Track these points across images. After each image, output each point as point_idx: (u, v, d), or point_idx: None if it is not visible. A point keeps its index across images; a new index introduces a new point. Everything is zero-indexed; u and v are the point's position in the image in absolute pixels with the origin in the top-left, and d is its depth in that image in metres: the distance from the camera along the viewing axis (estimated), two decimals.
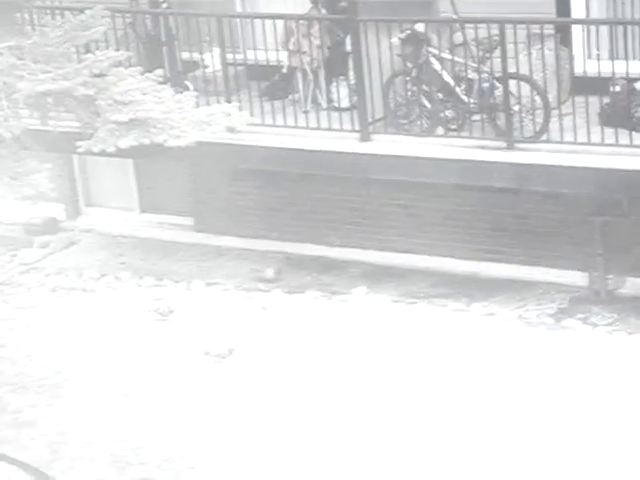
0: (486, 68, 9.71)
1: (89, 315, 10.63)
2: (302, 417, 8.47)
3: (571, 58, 10.00)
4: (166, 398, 8.91)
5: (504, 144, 9.58)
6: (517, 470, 7.63)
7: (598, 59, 9.54)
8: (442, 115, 9.97)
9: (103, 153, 8.45)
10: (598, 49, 9.65)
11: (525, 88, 9.51)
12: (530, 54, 9.42)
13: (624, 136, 9.14)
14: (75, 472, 7.99)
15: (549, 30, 9.66)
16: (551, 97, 9.58)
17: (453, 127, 9.97)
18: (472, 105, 9.85)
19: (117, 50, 9.41)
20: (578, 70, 9.86)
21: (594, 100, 9.33)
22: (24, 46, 8.30)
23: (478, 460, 7.76)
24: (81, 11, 8.76)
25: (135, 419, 8.63)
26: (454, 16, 9.94)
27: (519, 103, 9.54)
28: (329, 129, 10.29)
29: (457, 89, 9.91)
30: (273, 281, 9.70)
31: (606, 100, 9.46)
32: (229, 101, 10.08)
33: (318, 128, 10.33)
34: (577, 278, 10.24)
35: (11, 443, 8.44)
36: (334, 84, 10.80)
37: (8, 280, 11.61)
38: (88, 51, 9.19)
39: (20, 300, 11.09)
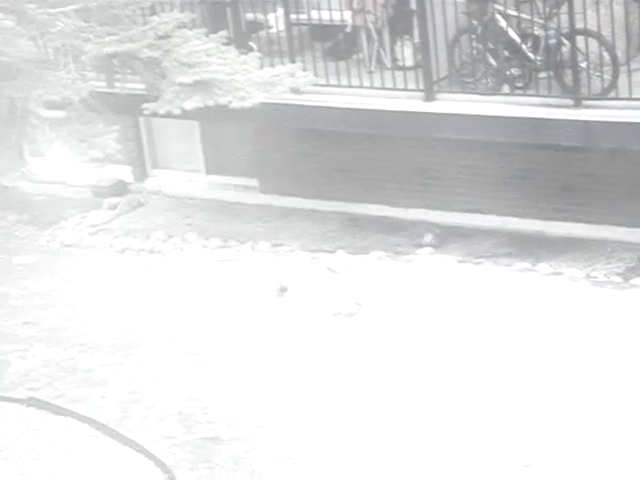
0: (553, 24, 9.58)
1: (158, 276, 10.75)
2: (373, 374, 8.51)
3: None
4: (233, 357, 8.99)
5: (571, 102, 9.46)
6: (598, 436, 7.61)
7: None
8: (508, 73, 9.86)
9: (169, 115, 8.50)
10: None
11: (593, 44, 9.38)
12: (598, 9, 9.27)
13: None
14: (144, 430, 8.11)
15: None
16: (619, 53, 9.43)
17: (519, 85, 9.87)
18: (539, 62, 9.73)
19: (182, 12, 9.45)
20: None
21: None
22: (90, 8, 8.36)
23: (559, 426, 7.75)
24: None
25: (202, 378, 8.73)
26: None
27: (587, 60, 9.41)
28: (394, 89, 10.25)
29: (523, 46, 9.80)
30: (284, 291, 9.73)
31: None
32: (293, 62, 10.07)
33: (382, 88, 10.29)
34: None
35: (83, 402, 8.59)
36: (398, 43, 10.73)
37: (78, 242, 11.77)
38: (153, 13, 9.25)
39: (90, 261, 11.24)
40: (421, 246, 10.70)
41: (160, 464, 7.70)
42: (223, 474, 7.52)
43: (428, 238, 10.74)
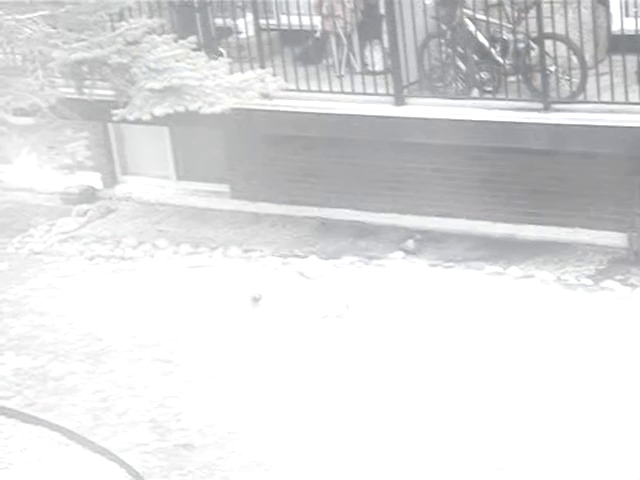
0: (521, 28, 9.62)
1: (128, 283, 10.71)
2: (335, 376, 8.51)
3: (608, 16, 9.88)
4: (206, 362, 8.96)
5: (541, 105, 9.50)
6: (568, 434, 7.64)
7: (636, 17, 9.42)
8: (477, 77, 9.89)
9: (138, 121, 8.46)
10: (636, 6, 9.53)
11: (561, 48, 9.42)
12: (566, 13, 9.32)
13: None
14: (116, 438, 8.07)
15: None
16: (588, 56, 9.48)
17: (488, 89, 9.90)
18: (508, 66, 9.77)
19: (150, 17, 9.41)
20: (615, 28, 9.75)
21: (632, 58, 9.22)
22: (58, 15, 8.31)
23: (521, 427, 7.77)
24: None
25: (174, 385, 8.69)
26: None
27: (555, 63, 9.45)
28: (363, 93, 10.26)
29: (492, 50, 9.84)
30: (259, 299, 9.73)
31: None
32: (263, 67, 10.05)
33: (352, 92, 10.30)
34: (616, 239, 10.18)
35: (53, 410, 8.53)
36: (368, 48, 10.75)
37: (47, 249, 11.71)
38: (122, 19, 9.20)
39: (59, 269, 11.18)
40: (403, 251, 10.67)
41: (132, 472, 7.66)
42: None
43: (409, 244, 10.72)
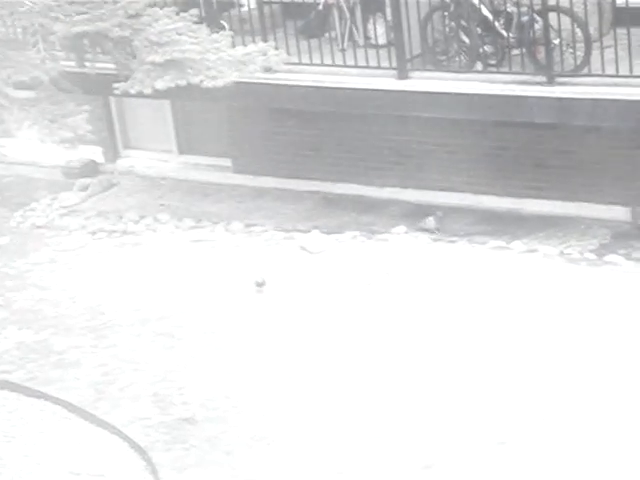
0: (525, 1, 9.55)
1: (130, 257, 10.69)
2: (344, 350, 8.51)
3: None
4: (210, 337, 8.96)
5: (544, 78, 9.45)
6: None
7: None
8: (481, 50, 9.84)
9: (140, 95, 8.41)
10: None
11: (565, 21, 9.36)
12: None
13: None
14: (119, 412, 8.08)
15: None
16: (592, 29, 9.42)
17: (492, 62, 9.85)
18: (511, 39, 9.71)
19: None
20: (620, 1, 9.68)
21: (636, 31, 9.17)
22: None
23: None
24: None
25: (177, 359, 8.69)
26: None
27: (559, 36, 9.39)
28: (366, 67, 10.21)
29: (496, 23, 9.78)
30: (263, 284, 9.60)
31: None
32: (265, 40, 9.99)
33: (355, 66, 10.25)
34: (620, 213, 10.15)
35: (56, 384, 8.54)
36: (371, 21, 10.68)
37: (49, 223, 11.69)
38: None
39: (61, 243, 11.16)
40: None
41: (135, 446, 7.67)
42: (198, 455, 7.50)
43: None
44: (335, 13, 10.76)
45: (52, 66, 8.21)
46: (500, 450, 7.24)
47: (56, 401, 8.29)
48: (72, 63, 9.56)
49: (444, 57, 10.02)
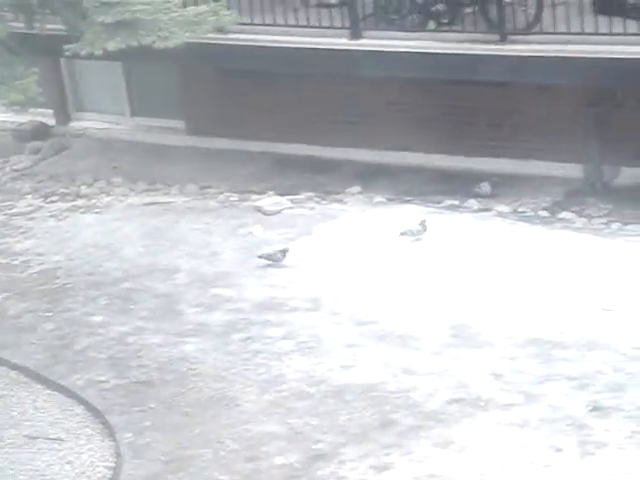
0: None
1: (84, 220, 10.62)
2: None
3: None
4: (165, 300, 8.93)
5: (497, 37, 9.47)
6: None
7: None
8: (433, 9, 9.83)
9: (91, 56, 8.34)
10: None
11: None
12: None
13: (618, 24, 9.04)
14: (75, 376, 8.05)
15: None
16: None
17: (445, 21, 9.85)
18: None
19: None
20: None
21: None
22: None
23: None
24: None
25: (132, 322, 8.66)
26: None
27: None
28: (319, 27, 10.16)
29: None
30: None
31: None
32: (217, 0, 9.92)
33: (308, 26, 10.20)
34: (572, 170, 10.22)
35: (11, 348, 8.48)
36: None
37: (1, 187, 11.57)
38: None
39: (14, 207, 11.05)
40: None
41: (92, 409, 7.65)
42: (156, 417, 7.49)
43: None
44: None
45: (0, 27, 8.10)
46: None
47: (12, 366, 8.23)
48: (21, 24, 9.40)
49: (397, 16, 10.01)
